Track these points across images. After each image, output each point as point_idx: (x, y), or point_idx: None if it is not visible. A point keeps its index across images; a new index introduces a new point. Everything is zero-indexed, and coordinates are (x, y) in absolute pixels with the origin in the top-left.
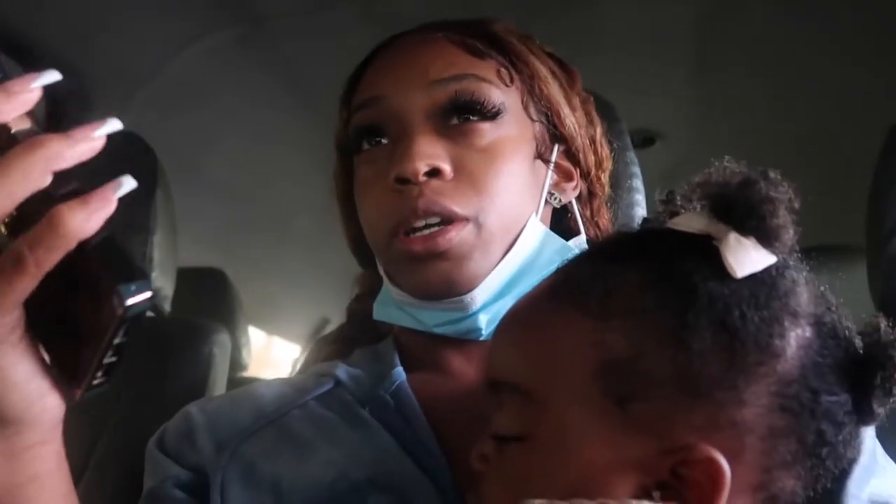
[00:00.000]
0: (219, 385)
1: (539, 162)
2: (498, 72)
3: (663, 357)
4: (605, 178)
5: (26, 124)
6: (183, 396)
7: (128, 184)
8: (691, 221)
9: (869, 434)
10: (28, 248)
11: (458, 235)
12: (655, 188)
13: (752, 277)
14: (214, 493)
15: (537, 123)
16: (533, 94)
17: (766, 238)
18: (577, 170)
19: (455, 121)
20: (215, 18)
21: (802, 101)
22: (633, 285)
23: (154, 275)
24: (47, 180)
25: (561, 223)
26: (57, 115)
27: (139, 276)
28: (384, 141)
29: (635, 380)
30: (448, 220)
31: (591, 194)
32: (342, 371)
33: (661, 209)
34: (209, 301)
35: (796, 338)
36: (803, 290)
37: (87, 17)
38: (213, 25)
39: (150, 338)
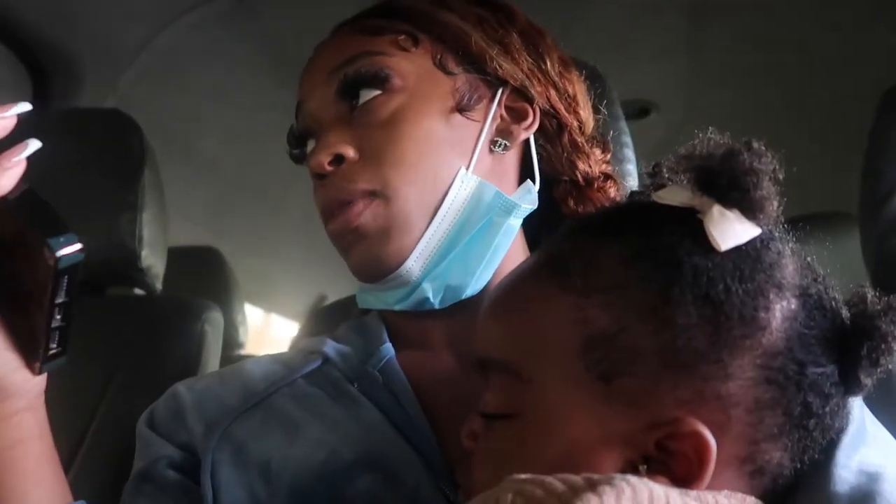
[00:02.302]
0: (212, 363)
1: (459, 115)
2: (395, 41)
3: (647, 332)
4: (582, 111)
5: None
6: (175, 375)
7: (33, 144)
8: (675, 195)
9: (857, 403)
10: None
11: (366, 209)
12: (650, 159)
13: (736, 250)
14: (205, 475)
15: (461, 76)
16: (450, 48)
17: (750, 210)
18: (533, 107)
19: (356, 102)
20: None
21: (796, 68)
22: (615, 260)
23: (144, 253)
24: None
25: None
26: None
27: (65, 228)
28: (314, 142)
29: (619, 355)
30: (359, 198)
31: (561, 127)
32: (330, 348)
33: (647, 182)
34: (204, 280)
35: (781, 310)
36: (788, 262)
37: None
38: (197, 0)
39: (141, 317)
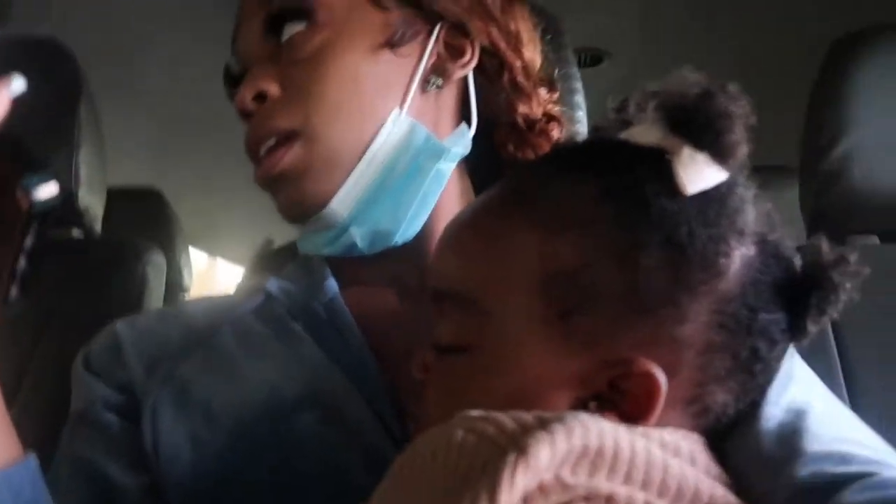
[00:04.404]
0: (154, 307)
1: (389, 52)
2: None
3: (611, 271)
4: (525, 49)
5: None
6: (115, 319)
7: (17, 83)
8: (646, 134)
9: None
10: None
11: (287, 154)
12: (602, 106)
13: (702, 194)
14: (146, 419)
15: (394, 11)
16: None
17: (721, 154)
18: (472, 44)
19: (282, 38)
20: None
21: (742, 19)
22: (585, 196)
23: (81, 193)
24: None
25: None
26: None
27: (41, 168)
28: None
29: (580, 293)
30: (281, 137)
31: (502, 67)
32: (273, 285)
33: (613, 117)
34: (145, 222)
35: (741, 256)
36: (750, 209)
37: None
38: None
39: (79, 260)
